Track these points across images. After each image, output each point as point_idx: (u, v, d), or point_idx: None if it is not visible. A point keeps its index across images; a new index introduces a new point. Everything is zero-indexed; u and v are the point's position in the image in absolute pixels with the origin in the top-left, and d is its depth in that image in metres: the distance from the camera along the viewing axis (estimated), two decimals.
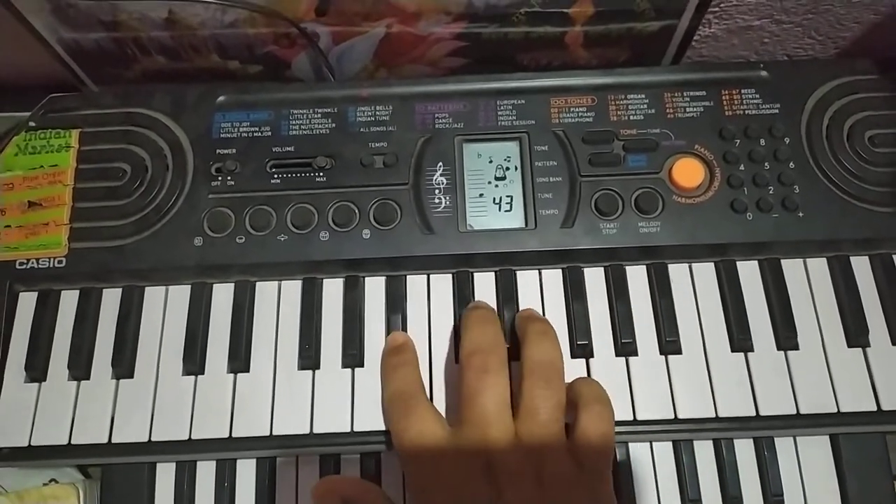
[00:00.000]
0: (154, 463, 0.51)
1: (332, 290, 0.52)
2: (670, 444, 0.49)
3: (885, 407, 0.48)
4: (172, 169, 0.53)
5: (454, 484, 0.42)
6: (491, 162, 0.53)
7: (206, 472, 0.51)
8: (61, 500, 0.53)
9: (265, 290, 0.52)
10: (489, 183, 0.53)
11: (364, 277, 0.52)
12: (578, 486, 0.42)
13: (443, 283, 0.52)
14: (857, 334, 0.50)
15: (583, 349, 0.50)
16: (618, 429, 0.46)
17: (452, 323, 0.51)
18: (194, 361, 0.50)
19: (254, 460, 0.50)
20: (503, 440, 0.42)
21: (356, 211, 0.52)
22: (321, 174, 0.53)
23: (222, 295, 0.52)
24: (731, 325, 0.50)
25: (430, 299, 0.52)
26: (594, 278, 0.52)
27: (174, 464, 0.51)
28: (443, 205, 0.52)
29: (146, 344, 0.51)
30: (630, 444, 0.49)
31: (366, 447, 0.49)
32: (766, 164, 0.52)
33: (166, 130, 0.54)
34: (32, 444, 0.49)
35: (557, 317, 0.51)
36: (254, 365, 0.50)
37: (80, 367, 0.50)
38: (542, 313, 0.51)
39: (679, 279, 0.52)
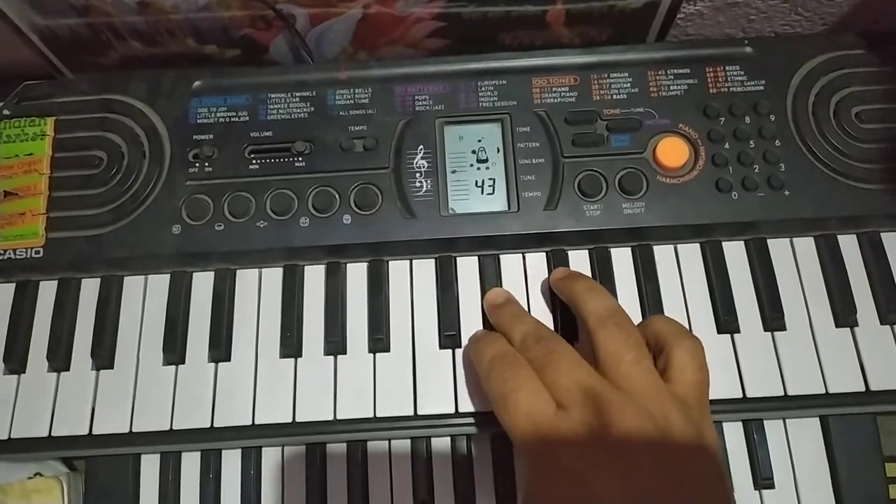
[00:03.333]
0: (138, 454, 0.50)
1: (314, 276, 0.52)
2: None
3: (873, 387, 0.48)
4: (149, 156, 0.52)
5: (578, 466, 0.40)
6: (472, 144, 0.52)
7: (190, 463, 0.50)
8: (44, 494, 0.52)
9: (245, 278, 0.52)
10: (471, 165, 0.52)
11: (345, 263, 0.52)
12: (686, 425, 0.40)
13: (425, 268, 0.52)
14: (844, 314, 0.49)
15: (567, 332, 0.49)
16: None
17: (435, 308, 0.50)
18: (175, 351, 0.50)
19: (239, 450, 0.50)
20: (607, 393, 0.40)
21: (336, 196, 0.51)
22: (300, 159, 0.52)
23: (202, 283, 0.52)
24: (717, 306, 0.50)
25: (413, 284, 0.51)
26: (578, 261, 0.51)
27: (158, 455, 0.50)
28: (424, 188, 0.51)
29: (126, 334, 0.51)
30: None
31: (350, 435, 0.49)
32: (751, 141, 0.51)
33: (142, 117, 0.53)
34: (12, 436, 0.49)
35: (541, 300, 0.51)
36: (235, 354, 0.50)
37: (59, 359, 0.50)
38: (526, 297, 0.51)
39: (664, 260, 0.51)
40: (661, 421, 0.39)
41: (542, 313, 0.50)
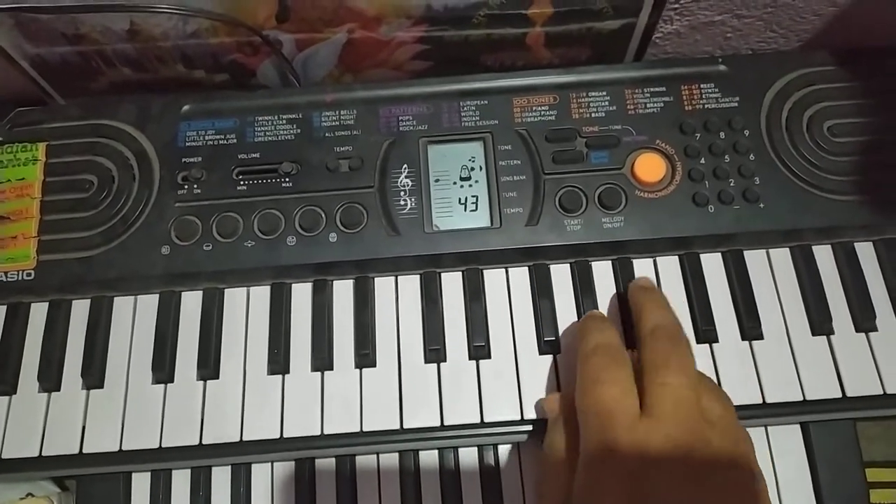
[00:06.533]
0: (129, 473, 0.51)
1: (301, 294, 0.53)
2: None
3: (849, 393, 0.48)
4: (139, 179, 0.53)
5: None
6: (455, 162, 0.54)
7: (181, 481, 0.51)
8: None
9: (234, 297, 0.53)
10: (454, 183, 0.53)
11: (332, 281, 0.53)
12: (745, 466, 0.41)
13: (410, 284, 0.53)
14: (820, 322, 0.50)
15: (550, 345, 0.50)
16: None
17: (421, 323, 0.51)
18: (164, 370, 0.50)
19: (228, 467, 0.51)
20: (697, 419, 0.40)
21: (322, 215, 0.52)
22: (287, 180, 0.53)
23: (191, 302, 0.52)
24: (695, 316, 0.51)
25: (398, 300, 0.52)
26: (560, 275, 0.52)
27: (149, 473, 0.51)
28: (408, 206, 0.52)
29: (116, 354, 0.51)
30: None
31: (338, 450, 0.49)
32: (726, 156, 0.52)
33: (132, 141, 0.54)
34: (3, 456, 0.49)
35: (524, 314, 0.51)
36: (223, 372, 0.51)
37: (50, 379, 0.50)
38: (509, 311, 0.51)
39: (644, 273, 0.52)
40: (735, 458, 0.40)
41: (526, 325, 0.51)
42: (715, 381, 0.48)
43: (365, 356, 0.50)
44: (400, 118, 0.54)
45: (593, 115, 0.54)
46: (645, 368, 0.42)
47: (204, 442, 0.49)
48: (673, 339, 0.43)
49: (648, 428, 0.39)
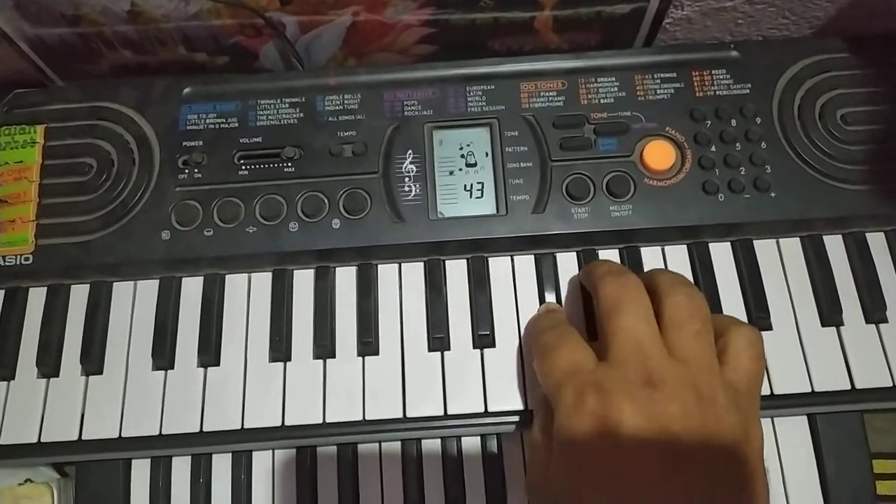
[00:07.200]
0: (129, 460, 0.50)
1: (303, 281, 0.52)
2: None
3: (859, 385, 0.48)
4: (139, 162, 0.53)
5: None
6: (461, 148, 0.53)
7: (181, 468, 0.50)
8: (35, 500, 0.52)
9: (235, 283, 0.52)
10: (460, 170, 0.52)
11: (334, 268, 0.52)
12: (732, 412, 0.39)
13: (414, 272, 0.52)
14: (830, 313, 0.49)
15: None
16: None
17: (424, 311, 0.51)
18: (164, 356, 0.50)
19: (229, 455, 0.50)
20: (658, 356, 0.40)
21: (325, 201, 0.51)
22: (289, 165, 0.52)
23: (191, 288, 0.52)
24: None
25: (402, 288, 0.52)
26: (567, 263, 0.52)
27: (149, 460, 0.50)
28: (413, 193, 0.51)
29: (115, 339, 0.51)
30: None
31: (340, 438, 0.49)
32: (737, 144, 0.51)
33: (132, 124, 0.53)
34: (2, 443, 0.49)
35: (530, 303, 0.51)
36: (224, 358, 0.50)
37: (49, 365, 0.50)
38: (514, 300, 0.51)
39: (652, 262, 0.51)
40: (707, 399, 0.38)
41: (531, 314, 0.50)
42: None
43: (368, 344, 0.49)
44: (405, 103, 0.53)
45: (602, 101, 0.53)
46: (600, 315, 0.43)
47: (204, 429, 0.48)
48: (620, 279, 0.43)
49: (607, 371, 0.40)
